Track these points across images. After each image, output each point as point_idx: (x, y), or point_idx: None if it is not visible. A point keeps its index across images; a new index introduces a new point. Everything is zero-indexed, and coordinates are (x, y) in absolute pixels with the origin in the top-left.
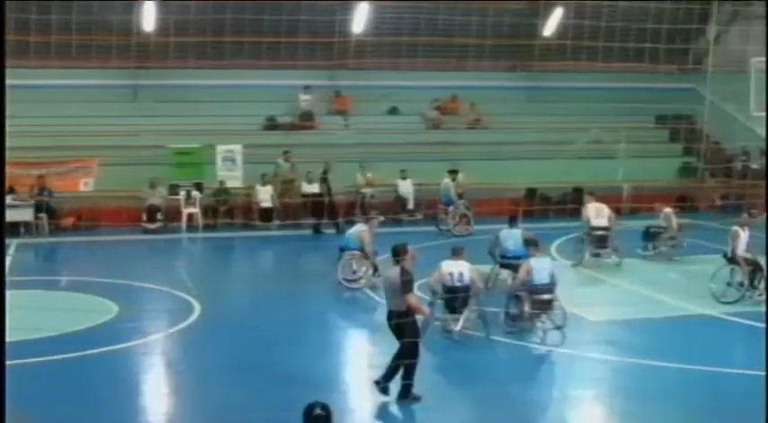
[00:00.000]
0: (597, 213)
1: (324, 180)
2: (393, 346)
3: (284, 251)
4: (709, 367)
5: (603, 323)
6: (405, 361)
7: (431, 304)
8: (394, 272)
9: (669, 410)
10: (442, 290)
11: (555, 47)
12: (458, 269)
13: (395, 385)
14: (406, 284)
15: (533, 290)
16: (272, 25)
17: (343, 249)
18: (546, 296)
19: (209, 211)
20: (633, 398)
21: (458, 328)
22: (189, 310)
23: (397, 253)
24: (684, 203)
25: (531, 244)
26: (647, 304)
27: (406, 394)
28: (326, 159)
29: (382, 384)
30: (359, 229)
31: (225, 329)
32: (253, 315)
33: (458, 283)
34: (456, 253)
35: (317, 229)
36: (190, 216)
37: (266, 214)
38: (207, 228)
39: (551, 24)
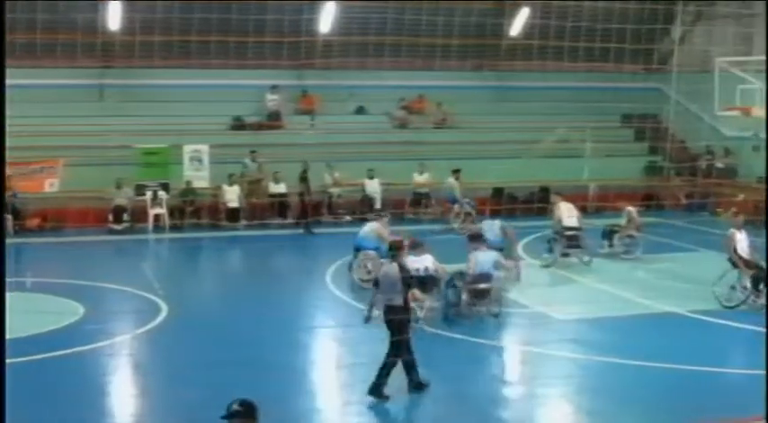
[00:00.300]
0: (569, 213)
1: (303, 179)
2: (362, 345)
3: (251, 251)
4: (675, 365)
5: (571, 322)
6: (393, 358)
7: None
8: (392, 268)
9: (635, 408)
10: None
11: (521, 47)
12: (422, 264)
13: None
14: (406, 280)
15: (472, 280)
16: (239, 25)
17: (358, 249)
18: (483, 285)
19: (175, 211)
20: (600, 396)
21: (422, 314)
22: (156, 310)
23: (395, 249)
24: (650, 202)
25: (476, 238)
26: (614, 303)
27: (376, 391)
28: (305, 159)
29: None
30: (373, 228)
31: (192, 330)
32: (220, 315)
33: (423, 275)
34: (416, 247)
35: (308, 229)
36: (156, 216)
37: (233, 214)
38: (173, 228)
39: (518, 24)
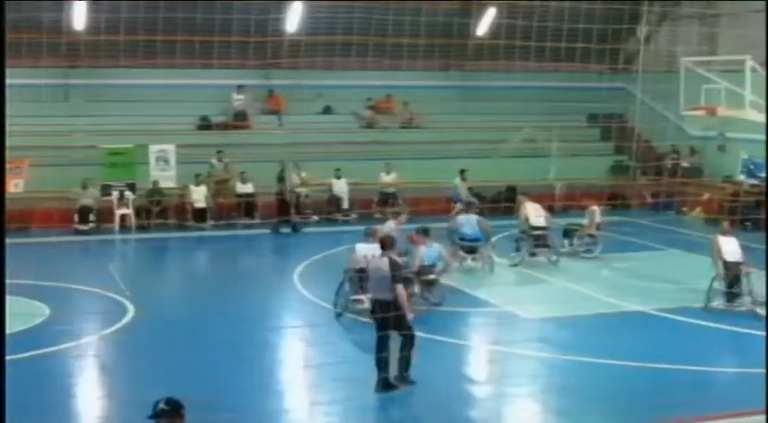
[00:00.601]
0: (536, 213)
1: (281, 179)
2: (330, 345)
3: (218, 251)
4: (641, 363)
5: (538, 320)
6: (407, 352)
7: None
8: (382, 262)
9: (602, 406)
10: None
11: (488, 46)
12: (371, 252)
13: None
14: (396, 275)
15: (419, 272)
16: (205, 24)
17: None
18: (430, 277)
19: (142, 211)
20: (567, 394)
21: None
22: (122, 311)
23: (385, 245)
24: (616, 201)
25: (423, 232)
26: (580, 301)
27: (404, 380)
28: (283, 158)
29: (403, 376)
30: (391, 227)
31: (159, 331)
32: (187, 316)
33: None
34: (369, 235)
35: (295, 228)
36: (122, 217)
37: (200, 214)
38: (140, 228)
39: (484, 24)
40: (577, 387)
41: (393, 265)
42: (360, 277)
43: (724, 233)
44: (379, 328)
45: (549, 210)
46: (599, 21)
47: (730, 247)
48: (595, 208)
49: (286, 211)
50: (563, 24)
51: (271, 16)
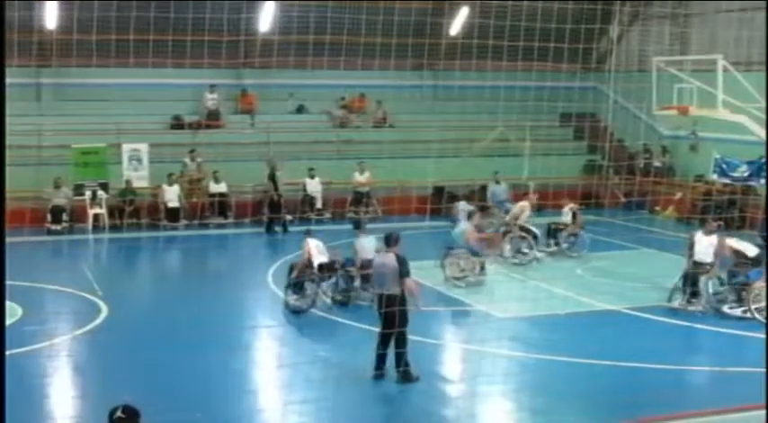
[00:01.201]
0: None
1: (271, 178)
2: (304, 344)
3: (191, 251)
4: (614, 362)
5: (511, 320)
6: (401, 349)
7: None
8: (389, 258)
9: (575, 405)
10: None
11: (461, 46)
12: (321, 245)
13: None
14: (404, 269)
15: (361, 265)
16: (177, 23)
17: (450, 247)
18: (370, 270)
19: (114, 211)
20: (540, 393)
21: (328, 300)
22: (95, 311)
23: (390, 241)
24: (589, 200)
25: (359, 226)
26: (553, 300)
27: (407, 377)
28: (270, 158)
29: (403, 369)
30: (464, 228)
31: (132, 330)
32: (160, 315)
33: (325, 259)
34: (311, 234)
35: (285, 227)
36: (95, 216)
37: (173, 214)
38: (113, 228)
39: (457, 24)
40: (550, 386)
41: (400, 260)
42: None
43: (708, 232)
44: (384, 325)
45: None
46: (571, 20)
47: (700, 247)
48: (575, 206)
49: (278, 210)
50: (535, 24)
51: (243, 15)
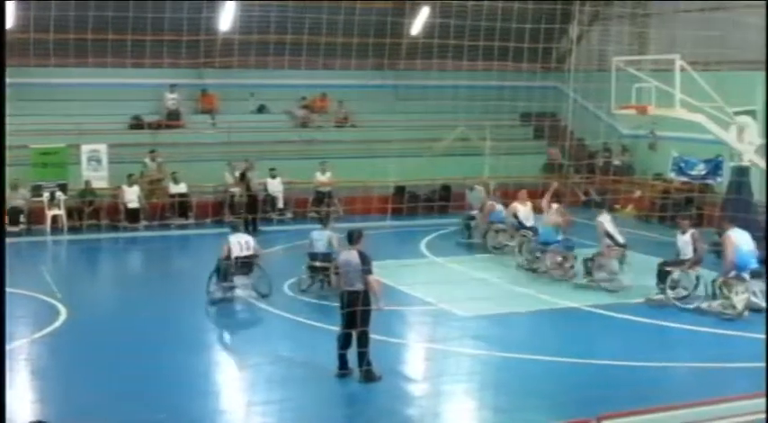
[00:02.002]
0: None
1: (243, 178)
2: (265, 344)
3: (152, 252)
4: (575, 359)
5: (473, 318)
6: (363, 348)
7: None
8: (352, 255)
9: (538, 403)
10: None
11: (421, 46)
12: (244, 239)
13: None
14: (367, 267)
15: (313, 257)
16: (137, 23)
17: (546, 243)
18: (324, 264)
19: (74, 212)
20: (503, 391)
21: (244, 292)
22: (54, 314)
23: (353, 238)
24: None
25: (324, 221)
26: (515, 298)
27: (369, 376)
28: (246, 158)
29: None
30: (550, 220)
31: (91, 333)
32: (120, 317)
33: (245, 252)
34: (236, 228)
35: (255, 227)
36: (54, 218)
37: (133, 215)
38: (72, 230)
39: (418, 23)
40: (513, 384)
41: (363, 257)
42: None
43: (683, 232)
44: (346, 324)
45: (482, 208)
46: (531, 20)
47: (682, 244)
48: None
49: (253, 210)
50: (496, 24)
51: (203, 15)
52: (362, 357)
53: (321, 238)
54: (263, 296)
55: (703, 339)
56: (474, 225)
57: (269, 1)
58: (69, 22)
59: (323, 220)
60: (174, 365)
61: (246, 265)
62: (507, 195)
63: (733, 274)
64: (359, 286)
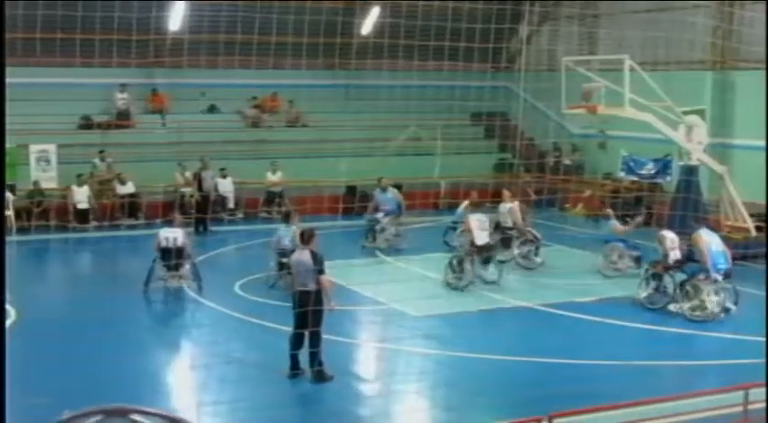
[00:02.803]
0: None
1: (196, 177)
2: (216, 345)
3: (101, 253)
4: (527, 358)
5: (425, 318)
6: (315, 348)
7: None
8: (305, 255)
9: (490, 401)
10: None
11: (372, 45)
12: (172, 234)
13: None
14: (321, 266)
15: (282, 254)
16: (86, 21)
17: (607, 241)
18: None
19: (22, 213)
20: (455, 390)
21: (176, 283)
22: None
23: (304, 238)
24: (500, 198)
25: (287, 217)
26: (466, 298)
27: (320, 377)
28: (201, 157)
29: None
30: (612, 226)
31: (40, 335)
32: (70, 319)
33: (171, 246)
34: (170, 223)
35: (205, 227)
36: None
37: (82, 215)
38: (21, 230)
39: (368, 23)
40: (464, 382)
41: (315, 257)
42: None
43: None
44: (298, 324)
45: (434, 207)
46: (481, 20)
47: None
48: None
49: (206, 210)
50: (446, 24)
51: (153, 14)
52: (314, 357)
53: (287, 234)
54: (200, 288)
55: (658, 338)
56: (379, 229)
57: (219, 1)
58: (17, 21)
59: (287, 217)
60: (125, 366)
61: (169, 256)
62: (458, 195)
63: (702, 276)
64: (312, 286)
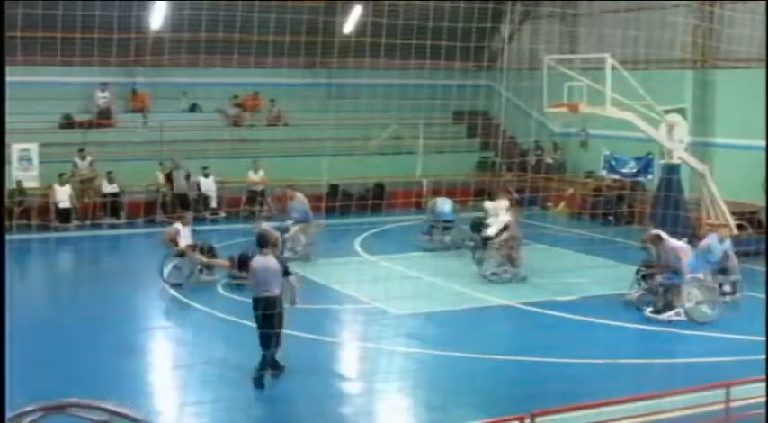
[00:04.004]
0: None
1: (168, 177)
2: (199, 345)
3: (83, 252)
4: (509, 356)
5: (407, 316)
6: (272, 350)
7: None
8: (270, 260)
9: (472, 400)
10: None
11: (354, 44)
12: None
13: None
14: (286, 268)
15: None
16: (67, 20)
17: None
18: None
19: (4, 212)
20: (437, 389)
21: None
22: None
23: (267, 243)
24: (482, 197)
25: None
26: (448, 296)
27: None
28: (172, 157)
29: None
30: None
31: (23, 335)
32: (52, 319)
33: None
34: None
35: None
36: None
37: (64, 215)
38: None
39: (350, 22)
40: (446, 381)
41: (281, 260)
42: None
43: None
44: (264, 326)
45: (417, 206)
46: (463, 19)
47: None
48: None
49: (186, 209)
50: (428, 23)
51: (134, 13)
52: (272, 358)
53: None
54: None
55: (640, 337)
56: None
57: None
58: None
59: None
60: (107, 366)
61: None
62: (440, 194)
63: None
64: (276, 291)
